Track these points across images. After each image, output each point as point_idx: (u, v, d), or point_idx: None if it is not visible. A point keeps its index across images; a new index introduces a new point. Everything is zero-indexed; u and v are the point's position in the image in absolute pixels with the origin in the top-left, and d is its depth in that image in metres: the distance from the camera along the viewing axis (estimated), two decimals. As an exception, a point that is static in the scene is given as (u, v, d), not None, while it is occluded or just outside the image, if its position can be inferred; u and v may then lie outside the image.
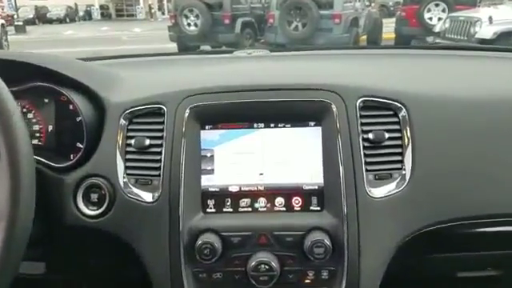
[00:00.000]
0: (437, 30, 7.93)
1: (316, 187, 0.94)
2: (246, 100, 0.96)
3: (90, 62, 1.26)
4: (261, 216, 0.94)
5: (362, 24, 10.48)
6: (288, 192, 0.94)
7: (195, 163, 0.95)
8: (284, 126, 0.97)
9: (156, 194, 0.95)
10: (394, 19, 11.87)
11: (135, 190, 0.97)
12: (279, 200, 0.95)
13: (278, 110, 0.96)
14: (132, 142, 0.99)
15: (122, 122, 1.01)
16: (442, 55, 1.47)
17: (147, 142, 0.98)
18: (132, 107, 1.00)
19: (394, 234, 0.92)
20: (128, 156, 0.99)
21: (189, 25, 10.08)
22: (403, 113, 0.97)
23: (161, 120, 0.99)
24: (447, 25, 7.28)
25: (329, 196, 0.93)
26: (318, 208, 0.94)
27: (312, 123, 0.96)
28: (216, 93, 0.98)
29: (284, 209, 0.94)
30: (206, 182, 0.96)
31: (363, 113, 0.96)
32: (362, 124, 0.95)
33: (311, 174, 0.95)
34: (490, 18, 6.37)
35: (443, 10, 9.52)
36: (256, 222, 0.92)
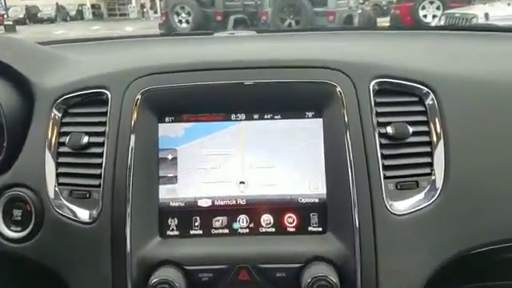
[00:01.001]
0: (431, 27, 7.79)
1: (316, 200, 0.69)
2: (219, 82, 0.71)
3: (33, 43, 0.99)
4: (241, 241, 0.69)
5: (356, 22, 10.31)
6: (278, 207, 0.69)
7: (150, 168, 0.70)
8: (272, 118, 0.71)
9: (95, 212, 0.69)
10: (387, 18, 11.73)
11: (69, 206, 0.72)
12: (266, 218, 0.69)
13: (263, 96, 0.71)
14: (66, 139, 0.73)
15: (54, 113, 0.75)
16: (462, 35, 1.22)
17: (85, 139, 0.72)
18: (66, 94, 0.75)
19: (422, 264, 0.68)
20: (60, 159, 0.74)
21: (180, 22, 9.86)
22: (431, 99, 0.73)
23: (103, 110, 0.73)
24: (442, 22, 7.13)
25: (334, 212, 0.67)
26: (320, 229, 0.68)
27: (310, 113, 0.71)
28: (178, 72, 0.72)
29: (273, 230, 0.69)
30: (166, 194, 0.70)
31: (379, 99, 0.71)
32: (378, 114, 0.70)
33: (309, 183, 0.70)
34: (487, 15, 6.21)
35: (438, 8, 9.39)
36: (234, 250, 0.67)
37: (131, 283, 0.65)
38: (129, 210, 0.67)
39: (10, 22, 22.58)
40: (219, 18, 9.78)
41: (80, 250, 0.69)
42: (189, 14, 9.80)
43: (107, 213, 0.68)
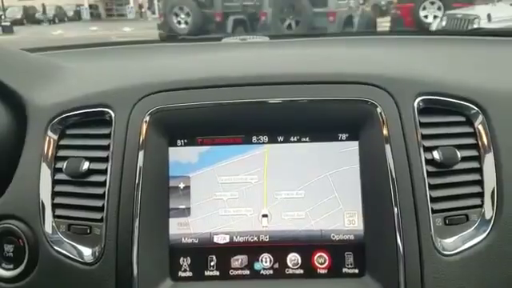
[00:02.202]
0: (433, 28, 7.72)
1: (352, 237, 0.60)
2: (238, 100, 0.62)
3: (23, 51, 0.89)
4: (265, 285, 0.59)
5: (357, 22, 10.25)
6: (307, 244, 0.60)
7: (159, 200, 0.61)
8: (299, 140, 0.62)
9: (97, 250, 0.60)
10: (385, 18, 11.68)
11: (67, 242, 0.63)
12: (293, 257, 0.60)
13: (289, 115, 0.62)
14: (63, 165, 0.64)
15: (50, 134, 0.66)
16: (493, 41, 1.12)
17: (85, 165, 0.63)
18: (63, 113, 0.66)
19: None
20: (57, 188, 0.64)
21: (179, 23, 9.76)
22: (480, 120, 0.63)
23: (106, 132, 0.63)
24: (444, 23, 7.07)
25: (374, 252, 0.58)
26: (356, 271, 0.59)
27: (343, 135, 0.62)
28: (191, 89, 0.63)
29: (301, 272, 0.60)
30: (178, 229, 0.61)
31: (423, 119, 0.61)
32: (424, 137, 0.60)
33: (343, 216, 0.60)
34: (489, 16, 6.14)
35: (439, 8, 9.34)
36: None
37: None
38: (135, 248, 0.58)
39: (8, 23, 22.52)
40: (218, 18, 9.70)
41: None
42: (188, 14, 9.71)
43: (111, 251, 0.59)
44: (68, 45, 1.16)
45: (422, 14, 9.61)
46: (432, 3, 9.58)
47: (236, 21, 10.01)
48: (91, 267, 0.59)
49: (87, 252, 0.61)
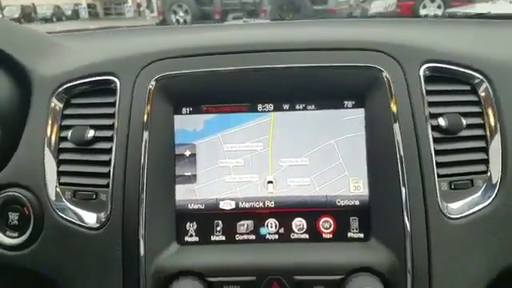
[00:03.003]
0: (433, 25, 7.74)
1: (357, 202, 0.60)
2: (244, 66, 0.62)
3: (29, 27, 0.89)
4: (271, 249, 0.60)
5: (356, 21, 10.26)
6: (312, 210, 0.61)
7: (165, 166, 0.61)
8: (305, 108, 0.63)
9: (103, 215, 0.60)
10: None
11: (72, 208, 0.63)
12: (298, 222, 0.61)
13: (295, 83, 0.62)
14: (68, 134, 0.64)
15: (55, 103, 0.66)
16: (497, 23, 1.12)
17: (90, 133, 0.63)
18: (67, 82, 0.66)
19: (480, 275, 0.59)
20: (62, 156, 0.65)
21: (177, 21, 9.73)
22: (485, 88, 0.64)
23: (111, 100, 0.64)
24: (444, 21, 7.09)
25: (379, 216, 0.59)
26: (361, 235, 0.60)
27: (349, 103, 0.62)
28: (196, 56, 0.63)
29: (306, 236, 0.60)
30: (184, 195, 0.62)
31: (429, 87, 0.62)
32: (430, 104, 0.61)
33: (349, 182, 0.61)
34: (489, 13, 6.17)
35: (439, 7, 9.35)
36: (264, 260, 0.58)
37: None
38: (142, 212, 0.58)
39: (5, 22, 22.39)
40: (217, 16, 9.69)
41: (85, 259, 0.60)
42: (186, 12, 9.70)
43: (117, 216, 0.59)
44: (70, 29, 1.16)
45: (422, 12, 9.63)
46: (432, 1, 9.61)
47: (235, 18, 10.00)
48: (97, 231, 0.60)
49: (93, 217, 0.61)
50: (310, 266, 0.56)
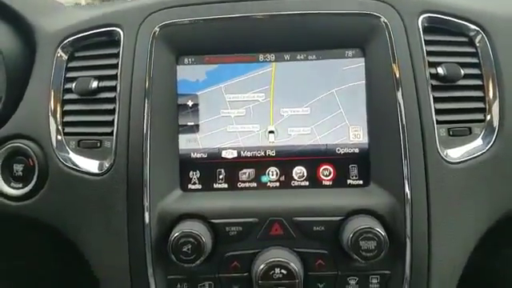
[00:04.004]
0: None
1: (356, 150, 0.61)
2: (246, 14, 0.62)
3: None
4: (272, 194, 0.61)
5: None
6: (312, 158, 0.62)
7: (168, 116, 0.62)
8: (306, 58, 0.63)
9: (107, 162, 0.62)
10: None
11: (77, 157, 0.64)
12: (299, 170, 0.62)
13: (296, 32, 0.63)
14: (73, 85, 0.65)
15: (59, 56, 0.67)
16: None
17: (94, 84, 0.64)
18: (72, 35, 0.67)
19: (478, 218, 0.61)
20: (67, 107, 0.66)
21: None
22: (481, 40, 0.65)
23: (115, 51, 0.65)
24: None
25: (378, 162, 0.60)
26: (360, 182, 0.61)
27: (350, 52, 0.63)
28: (198, 4, 0.63)
29: (306, 183, 0.62)
30: (187, 144, 0.63)
31: (427, 37, 0.63)
32: (428, 53, 0.61)
33: (348, 131, 0.62)
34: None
35: None
36: (265, 203, 0.60)
37: (150, 240, 0.58)
38: (147, 158, 0.59)
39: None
40: None
41: (90, 206, 0.61)
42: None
43: (121, 162, 0.60)
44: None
45: None
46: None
47: None
48: (102, 177, 0.61)
49: (97, 164, 0.62)
50: (310, 208, 0.58)
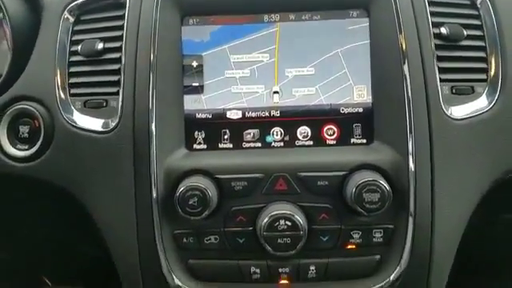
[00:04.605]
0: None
1: (360, 109, 0.62)
2: None
3: None
4: (276, 152, 0.62)
5: None
6: (316, 118, 0.62)
7: (173, 76, 0.63)
8: (310, 19, 0.63)
9: (113, 121, 0.62)
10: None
11: (83, 117, 0.64)
12: (303, 130, 0.63)
13: None
14: (78, 47, 0.66)
15: (66, 17, 0.68)
16: None
17: (100, 45, 0.65)
18: None
19: (481, 174, 0.61)
20: (72, 69, 0.66)
21: None
22: (484, 2, 0.66)
23: (120, 13, 0.65)
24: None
25: (382, 120, 0.61)
26: (364, 140, 0.62)
27: (354, 12, 0.63)
28: None
29: (311, 143, 0.62)
30: (192, 104, 0.63)
31: None
32: (432, 14, 0.62)
33: (353, 90, 0.62)
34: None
35: None
36: (270, 160, 0.60)
37: (157, 195, 0.58)
38: (152, 117, 0.60)
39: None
40: None
41: (96, 162, 0.62)
42: None
43: (128, 120, 0.61)
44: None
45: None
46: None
47: None
48: (108, 135, 0.62)
49: (103, 123, 0.63)
50: (314, 164, 0.59)
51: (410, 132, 0.58)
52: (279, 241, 0.56)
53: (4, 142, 0.65)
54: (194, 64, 0.64)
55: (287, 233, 0.56)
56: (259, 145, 0.63)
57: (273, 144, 0.63)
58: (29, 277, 1.21)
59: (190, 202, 0.56)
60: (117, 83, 0.63)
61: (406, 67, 0.59)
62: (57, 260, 1.06)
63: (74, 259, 1.06)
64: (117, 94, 0.62)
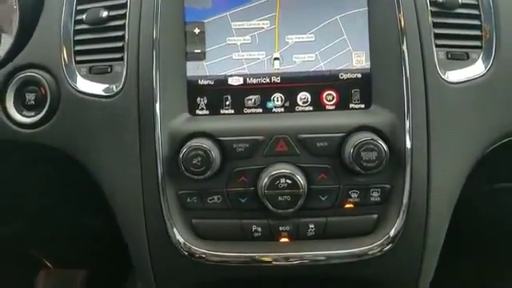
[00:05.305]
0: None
1: (359, 75, 0.64)
2: None
3: None
4: (277, 117, 0.64)
5: None
6: (316, 84, 0.64)
7: (176, 43, 0.64)
8: None
9: (118, 85, 0.64)
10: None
11: (88, 83, 0.66)
12: (303, 96, 0.64)
13: None
14: (83, 16, 0.67)
15: None
16: None
17: (104, 13, 0.67)
18: None
19: (476, 137, 0.63)
20: (78, 37, 0.68)
21: None
22: None
23: None
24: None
25: (380, 85, 0.62)
26: (362, 105, 0.63)
27: None
28: None
29: (310, 108, 0.64)
30: (194, 70, 0.65)
31: None
32: None
33: (351, 56, 0.64)
34: None
35: None
36: (270, 123, 0.62)
37: (161, 156, 0.60)
38: (156, 81, 0.61)
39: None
40: None
41: (102, 126, 0.64)
42: None
43: (132, 84, 0.62)
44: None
45: None
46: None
47: None
48: (113, 98, 0.63)
49: (108, 87, 0.64)
50: (314, 127, 0.61)
51: (407, 94, 0.59)
52: (280, 198, 0.58)
53: (11, 109, 0.67)
54: (196, 31, 0.65)
55: (287, 191, 0.58)
56: (260, 110, 0.64)
57: (273, 110, 0.64)
58: (29, 257, 1.22)
59: (194, 162, 0.57)
60: (121, 49, 0.64)
61: (402, 33, 0.60)
62: (58, 237, 1.07)
63: (76, 239, 1.07)
64: (121, 59, 0.64)
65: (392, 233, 0.60)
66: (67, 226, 0.96)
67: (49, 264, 1.32)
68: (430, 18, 0.62)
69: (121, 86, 0.63)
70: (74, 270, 1.36)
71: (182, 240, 0.61)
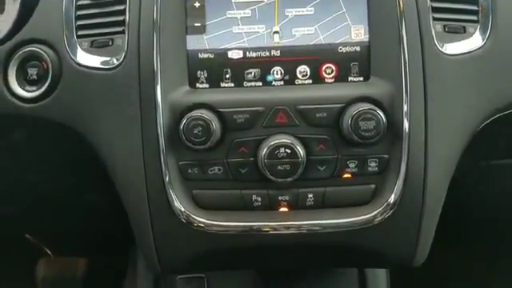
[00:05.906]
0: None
1: (358, 48, 0.64)
2: None
3: None
4: (277, 89, 0.64)
5: None
6: (315, 57, 0.64)
7: (177, 17, 0.64)
8: None
9: (119, 57, 0.64)
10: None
11: (89, 56, 0.66)
12: (303, 69, 0.65)
13: None
14: None
15: None
16: None
17: None
18: None
19: (474, 109, 0.64)
20: (79, 12, 0.69)
21: None
22: None
23: None
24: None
25: (378, 57, 0.63)
26: (361, 78, 0.64)
27: None
28: None
29: (310, 81, 0.64)
30: (194, 44, 0.65)
31: None
32: None
33: (350, 30, 0.64)
34: None
35: None
36: (270, 95, 0.63)
37: (162, 126, 0.61)
38: (156, 54, 0.62)
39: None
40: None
41: (103, 97, 0.64)
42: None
43: (133, 56, 0.63)
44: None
45: None
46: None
47: None
48: (114, 71, 0.64)
49: (109, 60, 0.65)
50: (313, 98, 0.61)
51: (405, 66, 0.60)
52: (279, 167, 0.59)
53: (13, 84, 0.67)
54: (197, 4, 0.65)
55: (286, 160, 0.58)
56: (260, 84, 0.65)
57: (273, 83, 0.65)
58: (29, 246, 1.22)
59: (195, 132, 0.58)
60: (122, 22, 0.65)
61: (400, 6, 0.61)
62: (58, 223, 1.07)
63: (76, 226, 1.08)
64: (122, 32, 0.64)
65: (391, 201, 0.60)
66: (67, 208, 0.97)
67: (49, 252, 1.33)
68: None
69: (122, 59, 0.64)
70: (74, 258, 1.37)
71: (182, 209, 0.61)
